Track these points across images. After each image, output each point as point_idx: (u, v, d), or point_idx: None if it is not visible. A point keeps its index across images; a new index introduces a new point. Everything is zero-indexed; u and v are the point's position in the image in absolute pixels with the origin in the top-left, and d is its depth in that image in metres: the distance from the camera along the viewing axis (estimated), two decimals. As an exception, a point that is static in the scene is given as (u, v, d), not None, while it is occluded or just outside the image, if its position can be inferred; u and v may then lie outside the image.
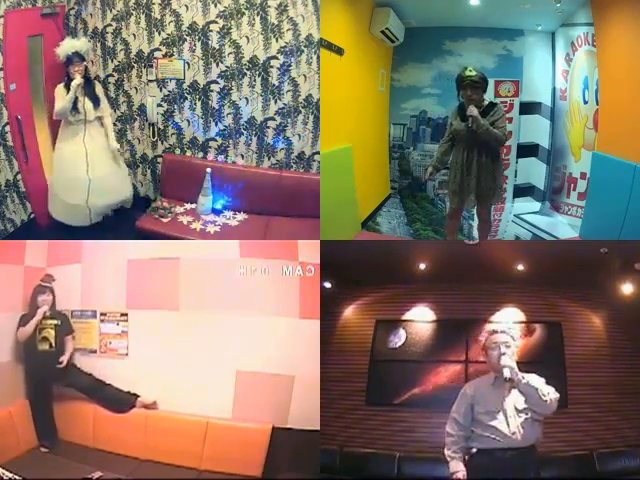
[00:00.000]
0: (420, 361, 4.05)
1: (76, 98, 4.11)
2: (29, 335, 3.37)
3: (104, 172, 4.33)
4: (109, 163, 4.41)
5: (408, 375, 4.01)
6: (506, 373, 2.41)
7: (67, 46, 4.14)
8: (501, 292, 4.10)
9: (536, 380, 2.45)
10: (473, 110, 3.55)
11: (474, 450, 2.47)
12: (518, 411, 2.43)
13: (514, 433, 2.39)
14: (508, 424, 2.40)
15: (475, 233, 4.21)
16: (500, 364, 2.46)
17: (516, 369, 2.44)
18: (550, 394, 2.41)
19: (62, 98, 4.09)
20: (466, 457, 2.48)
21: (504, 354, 2.47)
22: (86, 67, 4.22)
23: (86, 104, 4.17)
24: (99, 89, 4.38)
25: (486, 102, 3.66)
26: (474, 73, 3.57)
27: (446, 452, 2.51)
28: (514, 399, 2.45)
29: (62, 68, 4.24)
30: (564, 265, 3.74)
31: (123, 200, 4.57)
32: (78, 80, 4.08)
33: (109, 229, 4.44)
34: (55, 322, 3.45)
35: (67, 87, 4.10)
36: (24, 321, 3.39)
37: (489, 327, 2.74)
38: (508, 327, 2.72)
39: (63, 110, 4.11)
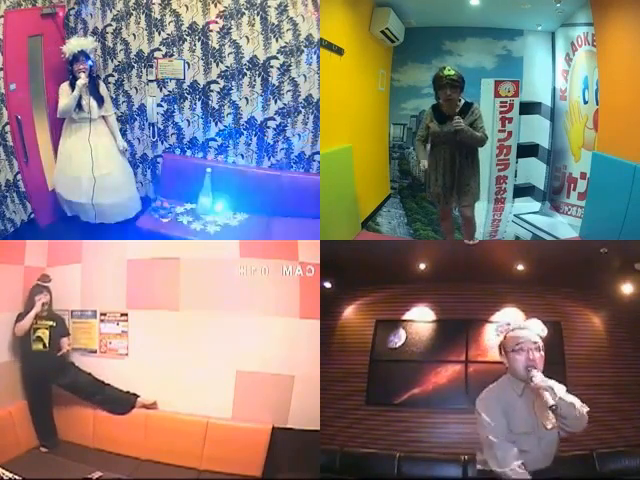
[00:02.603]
0: (420, 361, 4.04)
1: (80, 96, 4.12)
2: (26, 330, 3.35)
3: (109, 170, 4.34)
4: (114, 161, 4.41)
5: (408, 375, 4.00)
6: (547, 400, 1.96)
7: (74, 44, 4.15)
8: (501, 292, 4.09)
9: (569, 394, 2.07)
10: (460, 123, 3.57)
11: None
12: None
13: (545, 455, 2.16)
14: (539, 444, 2.14)
15: (476, 234, 4.21)
16: (533, 383, 2.03)
17: (555, 388, 2.02)
18: (582, 408, 2.05)
19: (66, 96, 4.10)
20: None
21: (533, 370, 2.06)
22: (90, 66, 4.22)
23: (91, 103, 4.18)
24: (103, 88, 4.38)
25: (461, 102, 3.68)
26: (453, 72, 3.59)
27: (509, 470, 2.05)
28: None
29: (63, 68, 4.24)
30: (564, 265, 3.73)
31: (128, 198, 4.57)
32: (84, 79, 4.09)
33: (108, 229, 4.44)
34: (50, 323, 3.43)
35: (71, 85, 4.11)
36: (21, 318, 3.37)
37: (508, 322, 2.29)
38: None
39: (67, 108, 4.11)
